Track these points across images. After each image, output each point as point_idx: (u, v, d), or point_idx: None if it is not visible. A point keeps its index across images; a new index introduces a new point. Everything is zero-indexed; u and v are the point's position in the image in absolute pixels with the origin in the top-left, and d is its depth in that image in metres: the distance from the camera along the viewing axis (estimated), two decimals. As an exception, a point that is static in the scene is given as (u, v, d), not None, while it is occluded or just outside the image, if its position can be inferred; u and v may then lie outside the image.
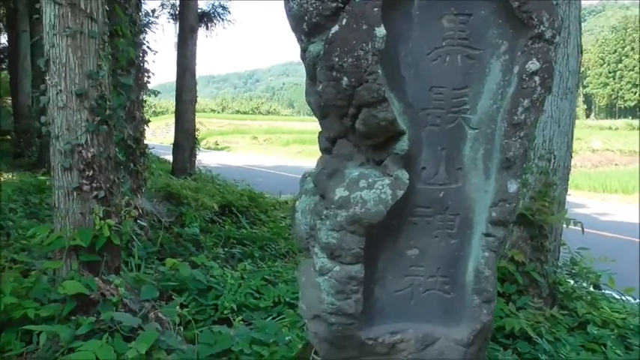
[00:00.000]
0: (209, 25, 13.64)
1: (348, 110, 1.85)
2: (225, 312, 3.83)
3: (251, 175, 13.20)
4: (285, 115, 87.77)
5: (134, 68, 5.07)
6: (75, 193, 3.49)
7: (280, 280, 4.70)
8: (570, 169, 4.56)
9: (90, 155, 3.47)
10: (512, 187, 1.95)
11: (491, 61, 1.92)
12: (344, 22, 1.75)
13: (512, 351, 3.50)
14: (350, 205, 1.87)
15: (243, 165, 24.32)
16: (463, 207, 2.03)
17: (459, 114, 1.95)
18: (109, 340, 3.06)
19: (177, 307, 3.52)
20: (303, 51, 1.97)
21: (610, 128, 34.28)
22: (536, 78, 1.87)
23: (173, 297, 4.10)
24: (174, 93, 12.78)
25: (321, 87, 1.87)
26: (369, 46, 1.72)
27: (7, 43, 23.04)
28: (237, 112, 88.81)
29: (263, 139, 46.06)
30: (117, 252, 3.70)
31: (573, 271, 4.49)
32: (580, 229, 4.31)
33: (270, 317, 3.94)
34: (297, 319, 3.96)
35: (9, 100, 29.31)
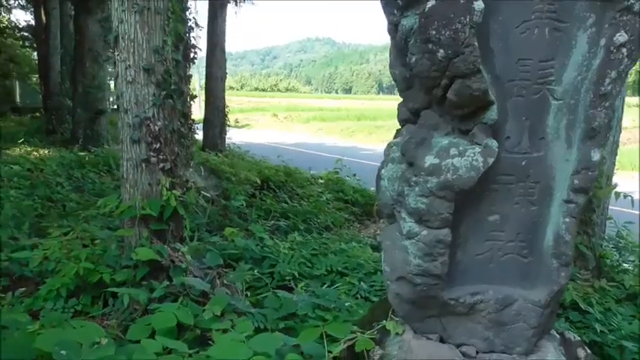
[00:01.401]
0: (237, 1, 13.68)
1: (441, 81, 1.94)
2: (288, 278, 4.00)
3: (274, 153, 13.30)
4: (304, 93, 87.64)
5: (182, 44, 5.16)
6: (143, 165, 3.65)
7: (329, 251, 4.85)
8: (619, 144, 4.58)
9: (157, 128, 3.62)
10: (596, 155, 2.03)
11: (577, 33, 1.98)
12: (442, -4, 1.83)
13: (565, 319, 3.61)
14: (441, 171, 1.98)
15: (265, 142, 24.43)
16: (544, 175, 2.12)
17: (544, 85, 2.03)
18: (183, 303, 3.23)
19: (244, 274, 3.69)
20: (394, 25, 2.05)
21: (638, 105, 33.47)
22: (624, 50, 1.93)
23: (231, 265, 4.28)
24: (200, 69, 12.88)
25: (413, 59, 1.95)
26: (467, 19, 1.80)
27: (32, 22, 23.35)
28: (256, 89, 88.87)
29: (283, 117, 46.02)
30: (180, 222, 3.87)
31: (619, 244, 4.55)
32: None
33: (325, 285, 4.10)
34: (351, 288, 4.12)
35: (34, 78, 29.71)
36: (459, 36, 1.81)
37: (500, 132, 2.06)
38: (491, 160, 1.95)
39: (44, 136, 15.81)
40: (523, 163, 2.10)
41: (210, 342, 3.06)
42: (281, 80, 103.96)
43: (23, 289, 3.64)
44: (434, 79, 1.94)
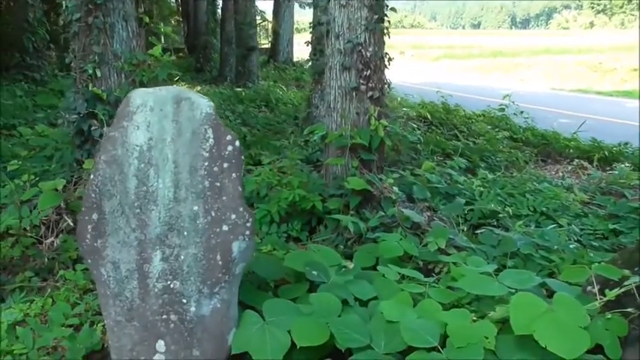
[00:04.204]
0: None
1: None
2: (501, 216, 3.79)
3: (408, 92, 12.70)
4: (430, 29, 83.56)
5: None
6: (353, 93, 3.57)
7: (521, 191, 4.53)
8: None
9: (368, 54, 3.49)
10: None
11: None
12: None
13: None
14: None
15: (395, 82, 23.65)
16: None
17: None
18: (402, 234, 3.18)
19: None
20: None
21: None
22: None
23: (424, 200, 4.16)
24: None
25: None
26: None
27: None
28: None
29: (410, 55, 44.37)
30: (383, 152, 3.79)
31: None
32: None
33: (533, 226, 3.83)
34: (561, 230, 3.81)
35: (173, 21, 31.44)
36: None
37: None
38: None
39: (194, 74, 16.74)
40: None
41: (433, 274, 2.99)
42: (405, 16, 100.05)
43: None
44: None
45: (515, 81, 23.45)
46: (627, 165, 5.68)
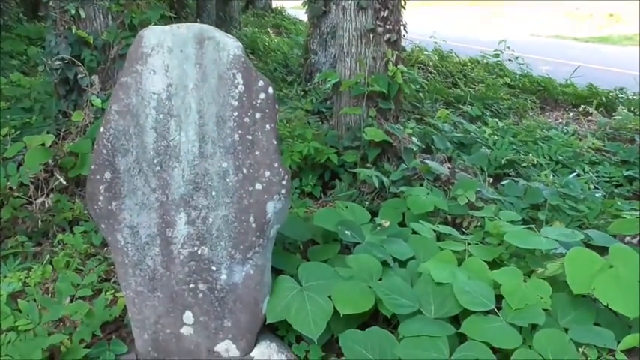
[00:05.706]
0: None
1: None
2: (526, 165, 3.62)
3: None
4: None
5: None
6: (370, 36, 3.26)
7: (532, 139, 4.38)
8: None
9: (386, -8, 3.18)
10: None
11: None
12: None
13: None
14: None
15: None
16: None
17: None
18: (427, 187, 2.99)
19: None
20: None
21: None
22: None
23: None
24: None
25: None
26: None
27: None
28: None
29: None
30: (399, 101, 3.53)
31: None
32: None
33: (551, 176, 3.69)
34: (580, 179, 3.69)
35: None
36: None
37: None
38: None
39: (168, 20, 15.85)
40: None
41: (462, 230, 2.84)
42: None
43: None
44: None
45: (494, 27, 23.05)
46: (630, 110, 5.57)
